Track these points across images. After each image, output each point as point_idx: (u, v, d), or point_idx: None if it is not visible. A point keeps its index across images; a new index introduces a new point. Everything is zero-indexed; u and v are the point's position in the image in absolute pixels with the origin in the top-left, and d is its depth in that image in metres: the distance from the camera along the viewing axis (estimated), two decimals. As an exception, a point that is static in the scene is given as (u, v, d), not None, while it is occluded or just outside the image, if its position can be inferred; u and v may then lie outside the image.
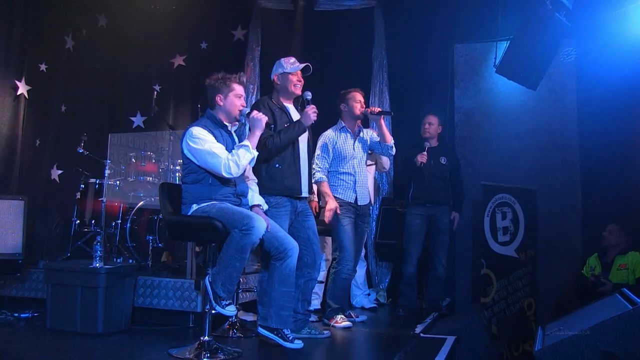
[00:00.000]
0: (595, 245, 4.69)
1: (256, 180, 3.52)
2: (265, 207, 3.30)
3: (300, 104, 3.64)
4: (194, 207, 3.07)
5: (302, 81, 3.61)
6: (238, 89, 3.18)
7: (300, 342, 3.23)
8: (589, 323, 2.80)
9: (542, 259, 5.00)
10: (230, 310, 3.02)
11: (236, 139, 3.29)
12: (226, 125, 3.22)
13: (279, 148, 3.45)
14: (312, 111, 3.48)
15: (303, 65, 3.59)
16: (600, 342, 2.67)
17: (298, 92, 3.59)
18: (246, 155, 3.06)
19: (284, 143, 3.45)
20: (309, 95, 3.55)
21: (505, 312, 4.76)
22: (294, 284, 3.26)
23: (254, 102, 5.75)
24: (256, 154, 3.12)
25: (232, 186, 3.15)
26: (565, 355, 2.72)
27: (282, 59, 3.65)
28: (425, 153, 4.63)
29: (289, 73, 3.58)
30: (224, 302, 2.98)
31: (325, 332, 3.70)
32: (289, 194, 3.51)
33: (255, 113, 3.17)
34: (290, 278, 3.21)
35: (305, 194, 3.60)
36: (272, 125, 3.39)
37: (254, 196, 3.27)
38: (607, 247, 4.57)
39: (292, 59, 3.64)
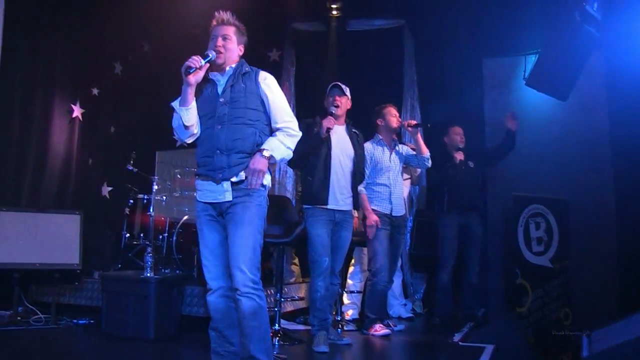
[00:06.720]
0: (629, 255, 4.65)
1: (286, 132, 2.74)
2: (272, 155, 2.62)
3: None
4: None
5: (338, 101, 3.76)
6: (214, 29, 2.71)
7: None
8: (638, 331, 2.73)
9: (575, 269, 4.95)
10: None
11: (219, 89, 2.68)
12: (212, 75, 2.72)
13: (299, 154, 3.18)
14: (326, 122, 3.62)
15: (331, 84, 3.82)
16: (651, 349, 2.56)
17: (336, 112, 3.73)
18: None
19: (302, 151, 3.39)
20: (333, 109, 3.73)
21: (542, 322, 4.77)
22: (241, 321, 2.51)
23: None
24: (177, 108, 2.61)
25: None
26: (615, 362, 2.62)
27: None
28: (461, 152, 4.78)
29: (328, 96, 3.80)
30: None
31: (345, 339, 3.78)
32: (316, 203, 3.62)
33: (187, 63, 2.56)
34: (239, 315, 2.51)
35: (334, 206, 3.66)
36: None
37: (268, 140, 2.68)
38: None
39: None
